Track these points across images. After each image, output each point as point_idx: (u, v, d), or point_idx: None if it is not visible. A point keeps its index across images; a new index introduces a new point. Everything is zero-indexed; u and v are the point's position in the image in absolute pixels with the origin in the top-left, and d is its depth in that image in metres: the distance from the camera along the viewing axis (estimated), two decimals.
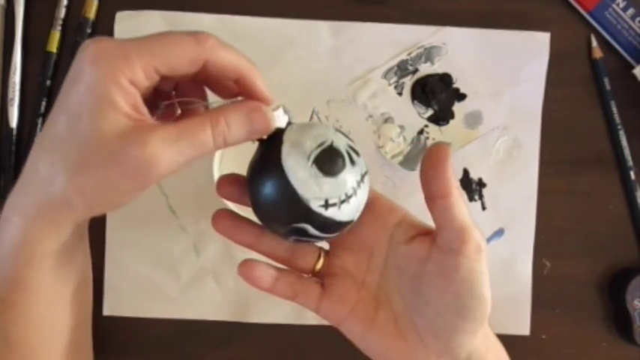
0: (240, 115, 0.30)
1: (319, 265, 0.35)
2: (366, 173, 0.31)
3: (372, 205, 0.34)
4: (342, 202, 0.29)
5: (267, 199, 0.30)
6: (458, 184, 0.30)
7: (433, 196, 0.30)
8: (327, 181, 0.29)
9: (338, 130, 0.31)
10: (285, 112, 0.31)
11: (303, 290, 0.34)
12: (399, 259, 0.33)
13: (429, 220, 0.32)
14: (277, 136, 0.30)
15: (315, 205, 0.29)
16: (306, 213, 0.29)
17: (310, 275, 0.35)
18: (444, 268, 0.31)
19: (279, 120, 0.31)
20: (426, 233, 0.33)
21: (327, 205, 0.29)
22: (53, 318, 0.34)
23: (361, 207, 0.31)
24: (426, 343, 0.32)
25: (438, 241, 0.31)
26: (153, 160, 0.27)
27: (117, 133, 0.28)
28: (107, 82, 0.28)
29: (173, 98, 0.33)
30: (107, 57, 0.28)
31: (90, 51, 0.28)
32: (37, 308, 0.33)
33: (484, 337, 0.33)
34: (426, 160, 0.30)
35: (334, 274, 0.35)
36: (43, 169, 0.29)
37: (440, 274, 0.31)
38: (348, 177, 0.29)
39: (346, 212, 0.30)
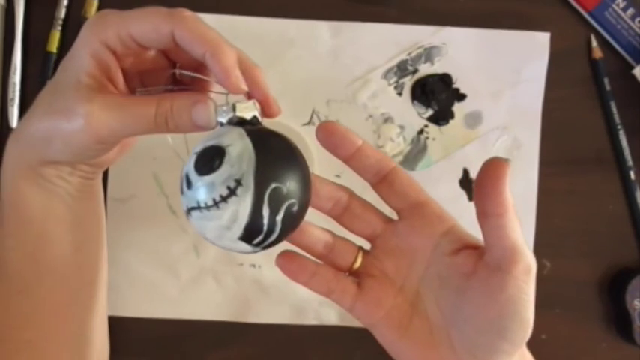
0: (185, 103, 0.31)
1: (357, 264, 0.34)
2: (208, 207, 0.28)
3: (423, 208, 0.33)
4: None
5: None
6: (514, 202, 0.29)
7: (487, 213, 0.29)
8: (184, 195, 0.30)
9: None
10: (255, 106, 0.31)
11: (338, 288, 0.33)
12: (442, 270, 0.32)
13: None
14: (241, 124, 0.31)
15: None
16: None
17: (347, 274, 0.34)
18: (489, 285, 0.29)
19: (243, 110, 0.30)
20: (473, 247, 0.32)
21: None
22: (48, 257, 0.36)
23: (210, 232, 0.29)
24: (460, 358, 0.31)
25: (486, 258, 0.30)
26: (91, 118, 0.30)
27: (76, 89, 0.30)
28: (84, 44, 0.31)
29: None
30: (92, 22, 0.31)
31: (89, 19, 0.32)
32: (27, 238, 0.35)
33: (520, 357, 0.33)
34: (483, 175, 0.29)
35: (373, 275, 0.34)
36: (30, 109, 0.33)
37: (484, 291, 0.30)
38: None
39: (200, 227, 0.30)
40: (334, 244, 0.34)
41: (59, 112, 0.31)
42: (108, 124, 0.30)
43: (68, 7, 0.49)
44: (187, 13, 0.31)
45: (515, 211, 0.29)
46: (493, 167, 0.28)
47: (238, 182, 0.27)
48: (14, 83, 0.49)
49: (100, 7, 0.49)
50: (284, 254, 0.34)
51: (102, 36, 0.30)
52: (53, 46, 0.49)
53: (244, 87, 0.31)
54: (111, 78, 0.32)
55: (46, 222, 0.35)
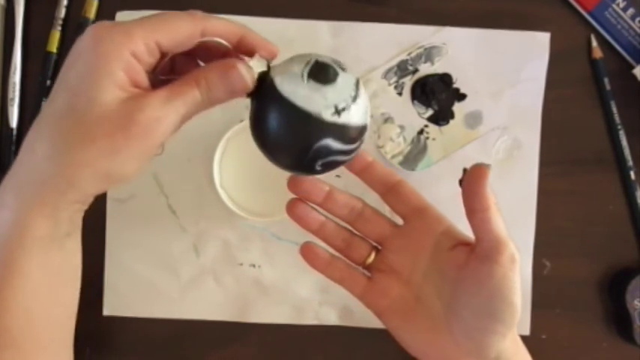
0: (217, 74, 0.31)
1: (370, 260, 0.39)
2: (358, 80, 0.32)
3: (424, 212, 0.38)
4: (351, 104, 0.31)
5: (281, 136, 0.31)
6: (496, 200, 0.34)
7: (473, 209, 0.34)
8: (329, 89, 0.30)
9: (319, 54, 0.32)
10: (261, 58, 0.32)
11: (349, 278, 0.39)
12: (441, 264, 0.37)
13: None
14: (264, 80, 0.31)
15: (328, 115, 0.30)
16: (322, 126, 0.30)
17: (361, 267, 0.40)
18: (479, 274, 0.34)
19: (257, 67, 0.32)
20: (466, 244, 0.36)
21: (338, 111, 0.30)
22: (38, 309, 0.34)
23: (368, 110, 0.33)
24: (458, 342, 0.35)
25: (476, 250, 0.34)
26: (155, 121, 0.30)
27: (116, 103, 0.29)
28: (109, 57, 0.29)
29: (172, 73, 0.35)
30: (109, 34, 0.30)
31: (92, 31, 0.30)
32: (23, 296, 0.33)
33: (513, 342, 0.37)
34: (468, 178, 0.34)
35: (382, 270, 0.39)
36: (39, 149, 0.30)
37: (476, 279, 0.34)
38: (345, 81, 0.31)
39: (357, 114, 0.31)
40: (351, 240, 0.39)
41: (108, 135, 0.29)
42: (170, 119, 0.30)
43: (68, 7, 0.49)
44: (200, 12, 0.32)
45: (498, 208, 0.34)
46: (477, 171, 0.34)
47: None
48: (14, 83, 0.49)
49: (100, 7, 0.49)
50: (307, 245, 0.39)
51: (131, 47, 0.30)
52: (53, 46, 0.49)
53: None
54: (139, 86, 0.31)
55: (44, 282, 0.33)
